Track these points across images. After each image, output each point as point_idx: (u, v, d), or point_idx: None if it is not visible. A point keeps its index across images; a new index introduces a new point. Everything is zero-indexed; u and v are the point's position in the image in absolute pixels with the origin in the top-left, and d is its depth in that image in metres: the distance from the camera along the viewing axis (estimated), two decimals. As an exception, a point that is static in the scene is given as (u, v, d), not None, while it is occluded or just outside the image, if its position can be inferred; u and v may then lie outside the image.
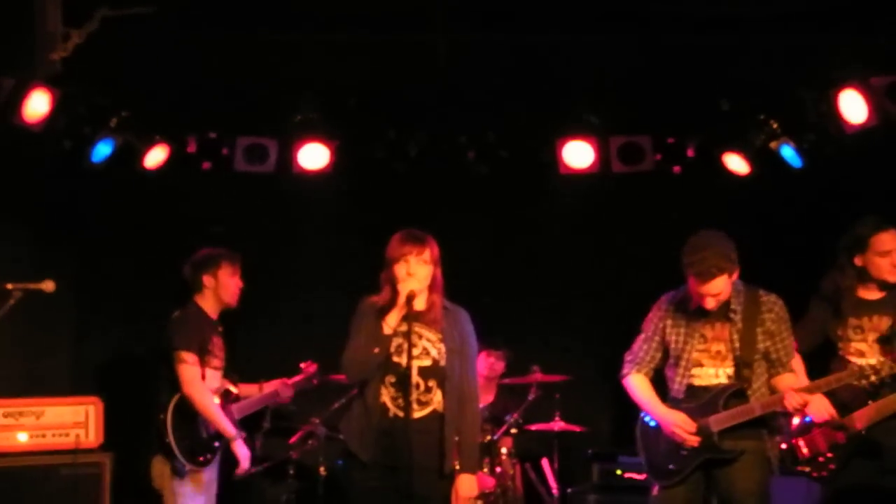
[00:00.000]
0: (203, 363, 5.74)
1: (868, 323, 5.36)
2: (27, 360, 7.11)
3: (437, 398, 4.89)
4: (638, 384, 5.22)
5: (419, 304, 4.91)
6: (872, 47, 6.13)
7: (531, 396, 7.15)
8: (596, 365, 7.24)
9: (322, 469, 6.78)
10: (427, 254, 4.90)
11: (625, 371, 5.30)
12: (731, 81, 7.09)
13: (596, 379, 7.29)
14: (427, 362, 4.89)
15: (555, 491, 7.22)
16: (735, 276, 5.03)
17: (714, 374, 5.10)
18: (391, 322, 4.80)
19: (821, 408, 5.07)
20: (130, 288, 7.70)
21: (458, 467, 4.91)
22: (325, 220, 7.92)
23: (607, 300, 7.76)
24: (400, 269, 4.86)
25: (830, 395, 5.13)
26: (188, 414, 5.68)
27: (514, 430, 7.11)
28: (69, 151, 6.85)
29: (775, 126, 6.97)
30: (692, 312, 5.14)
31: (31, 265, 6.62)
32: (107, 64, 6.51)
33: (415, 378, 4.83)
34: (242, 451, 5.73)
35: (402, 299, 4.78)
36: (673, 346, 5.15)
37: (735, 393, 5.01)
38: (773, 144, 7.01)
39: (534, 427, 7.23)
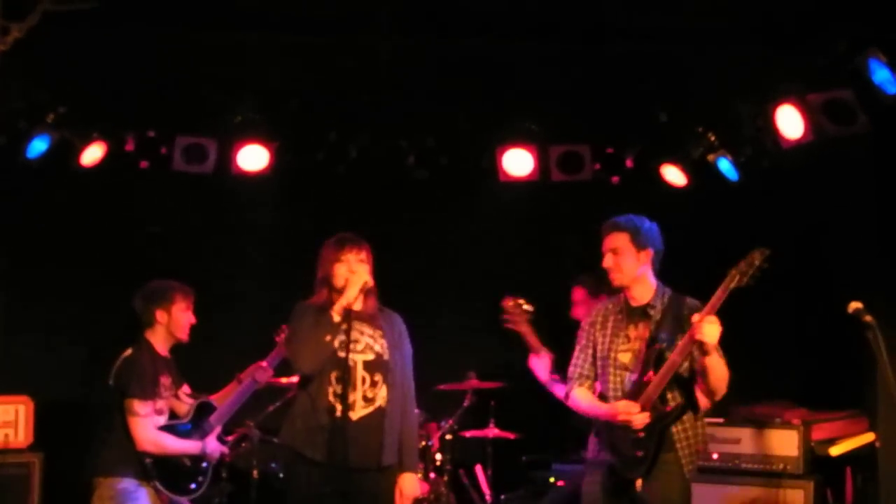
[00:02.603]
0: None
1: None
2: (-44, 359, 7.00)
3: (381, 394, 4.97)
4: (580, 397, 5.23)
5: (357, 304, 4.97)
6: (810, 64, 6.22)
7: (466, 403, 7.17)
8: (531, 372, 7.28)
9: (255, 472, 6.74)
10: (364, 254, 5.04)
11: (567, 390, 5.30)
12: (670, 93, 7.17)
13: (531, 386, 7.31)
14: (371, 356, 4.98)
15: (488, 497, 7.24)
16: (642, 255, 5.07)
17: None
18: (338, 308, 4.87)
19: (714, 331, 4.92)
20: (62, 286, 7.60)
21: (401, 467, 5.01)
22: (263, 222, 7.89)
23: (545, 308, 7.80)
24: (340, 269, 4.96)
25: None
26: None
27: (448, 436, 7.12)
28: (3, 147, 6.74)
29: (713, 139, 7.07)
30: (618, 314, 5.18)
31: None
32: (46, 59, 6.42)
33: (360, 373, 4.92)
34: (209, 448, 5.69)
35: (356, 288, 4.87)
36: (600, 347, 5.18)
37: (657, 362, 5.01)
38: (710, 157, 7.10)
39: (468, 433, 7.24)
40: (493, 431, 7.16)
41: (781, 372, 7.18)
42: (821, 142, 6.31)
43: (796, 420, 6.29)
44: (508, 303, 6.25)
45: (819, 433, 6.33)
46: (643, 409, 4.91)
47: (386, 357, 5.01)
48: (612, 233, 5.12)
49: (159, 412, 5.62)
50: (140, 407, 5.46)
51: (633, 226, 5.12)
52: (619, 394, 5.06)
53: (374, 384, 4.97)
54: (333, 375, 4.89)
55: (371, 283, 4.99)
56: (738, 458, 6.33)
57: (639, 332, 5.10)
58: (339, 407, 4.85)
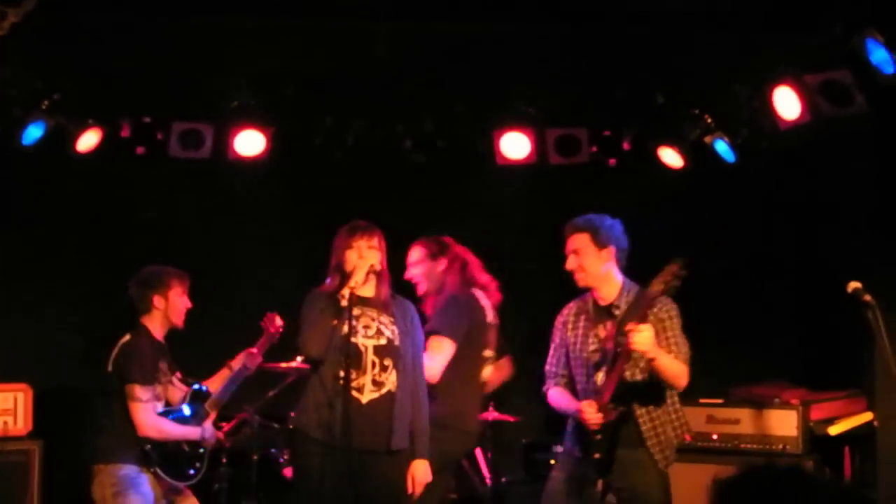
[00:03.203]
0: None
1: None
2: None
3: (391, 378, 5.01)
4: (556, 396, 5.28)
5: (369, 291, 5.08)
6: (807, 45, 6.21)
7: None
8: (529, 355, 7.28)
9: (255, 457, 6.75)
10: (376, 241, 5.08)
11: (544, 388, 5.35)
12: (666, 75, 7.15)
13: (530, 369, 7.32)
14: (382, 341, 5.03)
15: (488, 481, 7.24)
16: (604, 254, 5.08)
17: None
18: (346, 293, 4.93)
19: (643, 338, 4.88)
20: (60, 273, 7.59)
21: (413, 453, 5.07)
22: (260, 207, 7.87)
23: (541, 291, 7.80)
24: (351, 255, 5.02)
25: None
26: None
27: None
28: (-1, 133, 6.73)
29: (709, 121, 7.05)
30: (588, 314, 5.20)
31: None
32: (42, 45, 6.40)
33: (370, 357, 4.98)
34: (206, 433, 5.69)
35: (363, 272, 4.95)
36: (571, 349, 5.22)
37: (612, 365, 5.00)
38: (707, 139, 7.08)
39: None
40: (492, 415, 7.16)
41: (780, 352, 7.20)
42: (818, 123, 6.29)
43: (795, 400, 6.30)
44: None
45: (818, 413, 6.34)
46: (598, 411, 4.94)
47: (397, 343, 5.05)
48: (573, 234, 5.14)
49: (157, 398, 5.62)
50: (142, 392, 5.46)
51: (593, 226, 5.13)
52: (590, 394, 5.08)
53: (384, 369, 5.01)
54: (343, 359, 4.93)
55: (378, 267, 5.04)
56: (737, 438, 6.35)
57: (607, 332, 5.11)
58: (348, 391, 4.90)
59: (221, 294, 7.60)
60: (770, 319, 7.33)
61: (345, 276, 5.00)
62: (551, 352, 5.34)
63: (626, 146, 7.53)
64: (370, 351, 5.00)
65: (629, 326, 4.82)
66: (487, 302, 5.92)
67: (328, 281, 5.10)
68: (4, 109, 6.60)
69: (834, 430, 6.34)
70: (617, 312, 5.09)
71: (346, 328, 4.92)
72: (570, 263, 5.13)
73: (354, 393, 4.92)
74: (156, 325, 5.70)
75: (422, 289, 5.87)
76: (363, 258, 5.00)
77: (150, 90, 7.26)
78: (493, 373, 6.07)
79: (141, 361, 5.52)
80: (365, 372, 4.97)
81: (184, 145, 7.35)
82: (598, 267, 5.10)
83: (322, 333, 4.95)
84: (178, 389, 5.78)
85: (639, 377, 5.03)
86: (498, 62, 7.25)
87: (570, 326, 5.24)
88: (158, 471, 5.47)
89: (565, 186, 7.71)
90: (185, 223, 7.76)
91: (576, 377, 5.20)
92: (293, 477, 5.41)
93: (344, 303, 4.93)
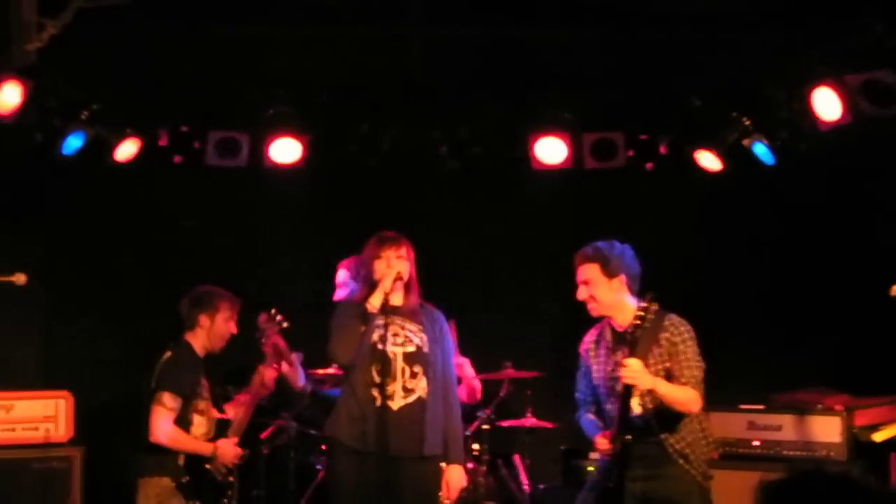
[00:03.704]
0: (190, 408, 5.57)
1: None
2: (-3, 354, 7.06)
3: (421, 385, 5.05)
4: (585, 425, 5.26)
5: (397, 300, 5.11)
6: (847, 45, 6.15)
7: (503, 392, 7.15)
8: (567, 361, 7.24)
9: (292, 465, 6.76)
10: (404, 251, 5.13)
11: (577, 415, 5.33)
12: (703, 78, 7.11)
13: (567, 375, 7.29)
14: (411, 349, 5.08)
15: (526, 487, 7.22)
16: (615, 283, 5.01)
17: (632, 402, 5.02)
18: (375, 302, 4.97)
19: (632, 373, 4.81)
20: (101, 281, 7.64)
21: (448, 459, 5.12)
22: (296, 215, 7.89)
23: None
24: (380, 265, 5.07)
25: None
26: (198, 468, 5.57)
27: (485, 426, 7.11)
28: (40, 144, 6.78)
29: (748, 123, 6.99)
30: (607, 340, 5.16)
31: (2, 258, 6.54)
32: (80, 56, 6.45)
33: (400, 364, 5.03)
34: (229, 454, 5.63)
35: (389, 280, 4.99)
36: (594, 376, 5.18)
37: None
38: (745, 142, 7.02)
39: (505, 423, 7.22)
40: (530, 421, 7.14)
41: (823, 357, 7.11)
42: (859, 124, 6.23)
43: (839, 406, 6.21)
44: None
45: (862, 419, 6.25)
46: (611, 441, 4.93)
47: (426, 350, 5.09)
48: (582, 264, 5.08)
49: (200, 413, 5.64)
50: (168, 399, 5.48)
51: (602, 255, 5.06)
52: (612, 421, 5.05)
53: (413, 375, 5.05)
54: (374, 367, 5.00)
55: (405, 276, 5.07)
56: (779, 445, 6.26)
57: (625, 357, 5.08)
58: (378, 397, 4.96)
59: (259, 301, 7.60)
60: (811, 324, 7.24)
61: (373, 285, 5.05)
62: (578, 378, 5.32)
63: (662, 150, 7.47)
64: (399, 358, 5.05)
65: (619, 359, 4.83)
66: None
67: (356, 290, 5.13)
68: (45, 120, 6.65)
69: (879, 437, 6.24)
70: (629, 337, 5.03)
71: (375, 336, 4.98)
72: (582, 294, 5.08)
73: (385, 400, 4.96)
74: (198, 343, 5.73)
75: None
76: (391, 267, 5.04)
77: (186, 99, 7.31)
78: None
79: (177, 373, 5.55)
80: (395, 379, 5.02)
81: (220, 153, 7.39)
82: (609, 297, 5.05)
83: (350, 341, 5.00)
84: (202, 426, 5.66)
85: (650, 405, 4.97)
86: (533, 67, 7.24)
87: (591, 354, 5.22)
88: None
89: (602, 191, 7.68)
90: (222, 230, 7.80)
91: (603, 404, 5.18)
92: (326, 484, 5.41)
93: (371, 310, 4.98)
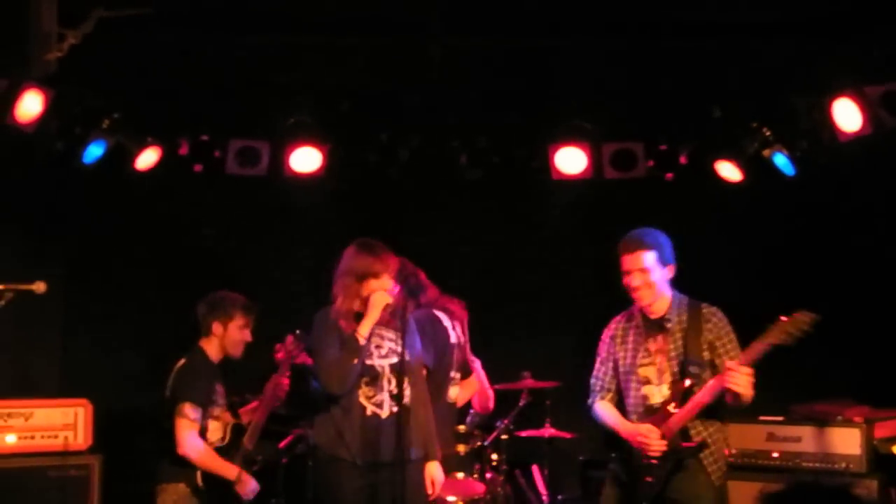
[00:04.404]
0: (206, 415, 5.60)
1: None
2: (17, 362, 7.09)
3: (406, 392, 5.15)
4: (603, 410, 5.25)
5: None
6: (867, 56, 6.13)
7: (521, 402, 7.13)
8: (586, 371, 7.22)
9: (311, 474, 6.75)
10: (393, 269, 5.25)
11: (590, 400, 5.33)
12: (724, 88, 7.10)
13: (586, 385, 7.27)
14: (395, 359, 5.18)
15: (545, 498, 7.19)
16: (666, 271, 5.04)
17: (658, 391, 5.07)
18: (364, 332, 5.11)
19: (745, 382, 4.87)
20: (120, 290, 7.67)
21: (426, 457, 5.28)
22: (316, 224, 7.90)
23: (599, 306, 7.74)
24: (374, 285, 5.16)
25: None
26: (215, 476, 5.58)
27: (504, 436, 7.09)
28: (61, 152, 6.82)
29: (768, 134, 6.97)
30: (637, 328, 5.16)
31: (22, 266, 6.59)
32: (101, 65, 6.48)
33: (387, 375, 5.17)
34: (248, 487, 5.65)
35: (377, 311, 5.12)
36: (622, 363, 5.18)
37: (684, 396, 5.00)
38: (765, 152, 7.00)
39: (524, 433, 7.21)
40: (548, 431, 7.12)
41: (843, 369, 7.07)
42: (879, 135, 6.20)
43: (858, 418, 6.18)
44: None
45: (882, 431, 6.21)
46: (663, 437, 4.91)
47: (407, 357, 5.15)
48: (637, 251, 5.04)
49: (216, 419, 5.67)
50: (190, 410, 5.50)
51: (658, 242, 5.06)
52: (641, 409, 5.08)
53: (399, 384, 5.11)
54: (363, 380, 5.14)
55: (392, 303, 5.15)
56: (798, 456, 6.23)
57: (658, 346, 5.10)
58: (369, 408, 5.13)
59: (278, 310, 7.62)
60: (830, 335, 7.17)
61: (361, 301, 5.15)
62: (597, 365, 5.31)
63: (682, 160, 7.46)
64: (387, 370, 5.18)
65: (729, 366, 4.78)
66: (450, 322, 5.96)
67: (338, 304, 5.17)
68: (66, 129, 6.69)
69: (899, 449, 6.22)
70: (669, 325, 5.05)
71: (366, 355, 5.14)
72: (636, 280, 5.04)
73: (375, 409, 5.13)
74: (213, 349, 5.76)
75: None
76: (385, 290, 5.14)
77: (207, 108, 7.33)
78: (460, 392, 6.21)
79: (194, 382, 5.58)
80: (383, 390, 5.16)
81: (241, 162, 7.42)
82: (664, 284, 5.06)
83: (345, 375, 5.10)
84: (217, 431, 5.70)
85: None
86: (553, 77, 7.24)
87: (618, 341, 5.21)
88: None
89: (622, 202, 7.66)
90: (242, 239, 7.82)
91: (625, 391, 5.16)
92: (318, 495, 5.43)
93: (363, 342, 5.10)
